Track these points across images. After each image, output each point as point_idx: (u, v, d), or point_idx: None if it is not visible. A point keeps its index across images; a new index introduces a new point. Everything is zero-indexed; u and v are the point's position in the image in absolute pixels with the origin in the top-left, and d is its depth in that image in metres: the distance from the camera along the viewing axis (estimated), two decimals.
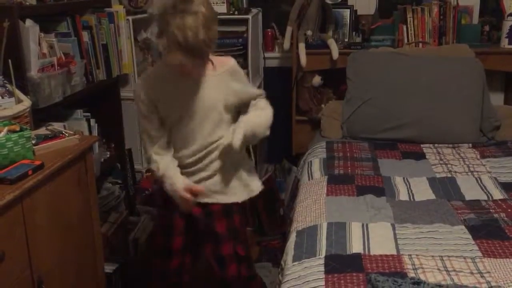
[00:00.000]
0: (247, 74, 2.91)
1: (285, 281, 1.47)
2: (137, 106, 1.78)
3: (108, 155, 2.52)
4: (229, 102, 1.76)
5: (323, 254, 1.55)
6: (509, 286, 1.38)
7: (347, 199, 1.95)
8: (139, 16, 2.88)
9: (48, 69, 1.99)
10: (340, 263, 1.49)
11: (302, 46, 2.91)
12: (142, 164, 2.97)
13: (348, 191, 2.01)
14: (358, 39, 3.02)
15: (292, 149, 3.12)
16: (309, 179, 2.16)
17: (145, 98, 1.74)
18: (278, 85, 3.28)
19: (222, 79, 1.74)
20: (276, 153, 3.37)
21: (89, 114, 2.41)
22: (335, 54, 2.87)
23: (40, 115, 1.93)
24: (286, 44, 3.01)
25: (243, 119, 1.72)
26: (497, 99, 3.00)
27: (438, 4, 2.93)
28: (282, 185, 3.21)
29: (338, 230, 1.70)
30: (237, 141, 1.64)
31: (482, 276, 1.42)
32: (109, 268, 2.15)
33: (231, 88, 1.76)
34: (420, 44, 2.95)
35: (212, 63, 1.72)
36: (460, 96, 2.57)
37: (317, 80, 2.98)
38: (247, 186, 1.84)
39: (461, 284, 1.38)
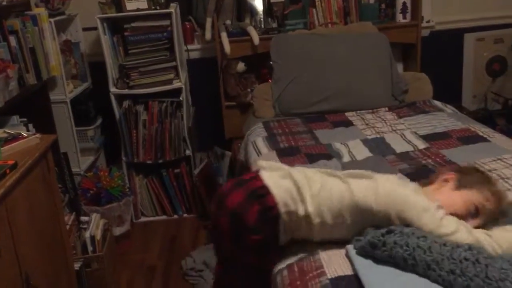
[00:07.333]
0: (175, 67, 3.00)
1: None
2: None
3: None
4: None
5: None
6: None
7: (303, 167, 2.02)
8: (58, 18, 2.85)
9: None
10: None
11: (224, 35, 3.06)
12: (79, 166, 2.95)
13: (300, 160, 2.15)
14: (274, 25, 3.22)
15: (225, 134, 3.26)
16: (258, 156, 2.31)
17: None
18: (203, 75, 3.40)
19: None
20: (207, 141, 3.49)
21: (25, 119, 2.37)
22: (256, 40, 3.06)
23: None
24: (208, 35, 3.14)
25: None
26: (398, 67, 3.37)
27: None
28: (218, 170, 3.34)
29: None
30: None
31: None
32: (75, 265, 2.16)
33: None
34: (329, 25, 3.23)
35: None
36: (373, 67, 2.88)
37: (241, 66, 3.15)
38: None
39: None
